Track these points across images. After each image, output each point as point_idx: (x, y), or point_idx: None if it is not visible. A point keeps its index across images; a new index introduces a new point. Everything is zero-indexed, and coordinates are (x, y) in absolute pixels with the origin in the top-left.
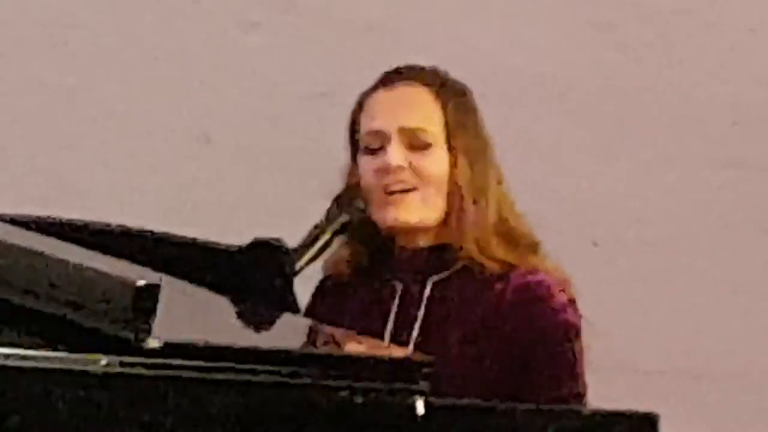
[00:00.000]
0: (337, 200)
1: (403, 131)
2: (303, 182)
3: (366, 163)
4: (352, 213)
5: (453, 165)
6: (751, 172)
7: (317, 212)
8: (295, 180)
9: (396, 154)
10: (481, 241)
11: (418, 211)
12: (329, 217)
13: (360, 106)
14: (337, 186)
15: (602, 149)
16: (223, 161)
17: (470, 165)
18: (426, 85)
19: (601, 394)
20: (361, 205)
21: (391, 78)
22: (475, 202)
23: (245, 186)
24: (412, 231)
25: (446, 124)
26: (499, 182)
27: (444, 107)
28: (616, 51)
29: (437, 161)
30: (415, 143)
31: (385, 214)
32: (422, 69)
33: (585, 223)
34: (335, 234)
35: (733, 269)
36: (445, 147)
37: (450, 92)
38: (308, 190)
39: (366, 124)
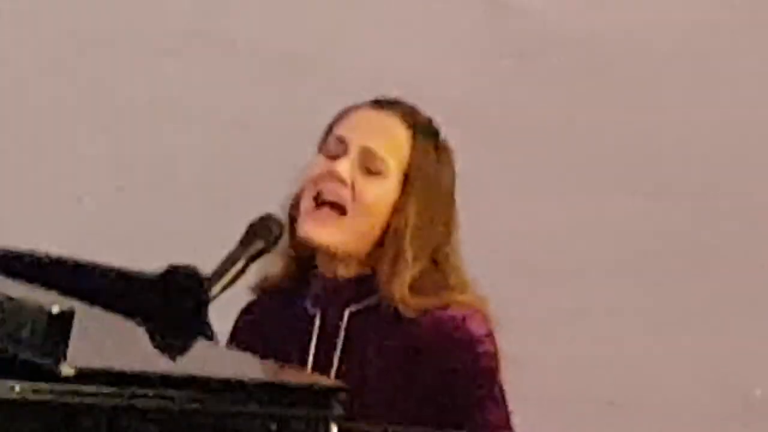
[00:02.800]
0: (252, 226)
1: (364, 150)
2: (218, 210)
3: (317, 162)
4: (266, 239)
5: (401, 200)
6: (669, 202)
7: (232, 239)
8: (211, 207)
9: (346, 166)
10: (405, 284)
11: (341, 237)
12: (244, 244)
13: (345, 112)
14: (253, 214)
15: (518, 179)
16: (138, 188)
17: (421, 207)
18: (408, 124)
19: (522, 422)
20: (276, 231)
21: (381, 103)
22: (413, 242)
23: (160, 213)
24: (336, 256)
25: (410, 163)
26: (448, 234)
27: (414, 147)
28: (536, 80)
29: (380, 191)
30: (370, 167)
31: (304, 225)
32: (411, 108)
33: (498, 254)
34: (250, 260)
35: (649, 298)
36: (398, 184)
37: (427, 137)
38: (224, 218)
39: (337, 128)
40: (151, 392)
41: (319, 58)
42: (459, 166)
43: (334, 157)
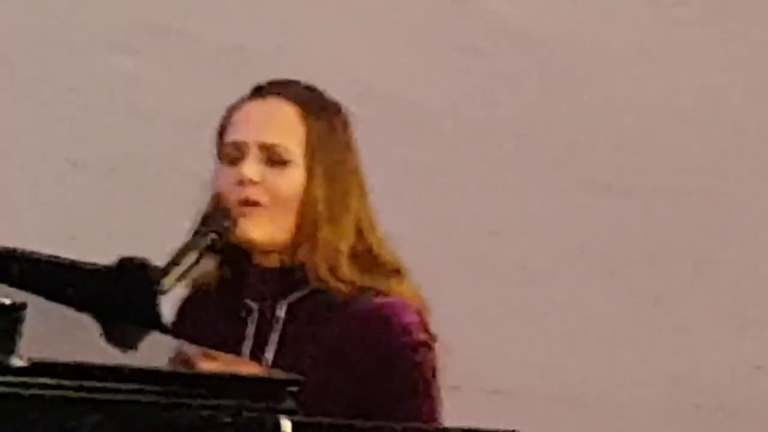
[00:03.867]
0: (205, 218)
1: (262, 146)
2: (172, 204)
3: (223, 173)
4: (219, 231)
5: (309, 184)
6: (621, 197)
7: (185, 234)
8: (164, 201)
9: (251, 167)
10: (334, 264)
11: (265, 229)
12: (197, 236)
13: (228, 116)
14: (205, 207)
15: (475, 175)
16: (90, 184)
17: (328, 185)
18: (293, 101)
19: (454, 413)
20: (228, 223)
21: (260, 91)
22: (330, 223)
23: (113, 208)
24: (265, 250)
25: (307, 143)
26: (363, 206)
27: (308, 125)
28: (490, 77)
29: (292, 180)
30: (274, 159)
31: (236, 227)
32: (293, 85)
33: (447, 245)
34: (203, 252)
35: (592, 288)
36: (303, 166)
37: (317, 110)
38: (177, 211)
39: (228, 135)
40: (102, 384)
41: (273, 52)
42: (412, 160)
43: (236, 162)
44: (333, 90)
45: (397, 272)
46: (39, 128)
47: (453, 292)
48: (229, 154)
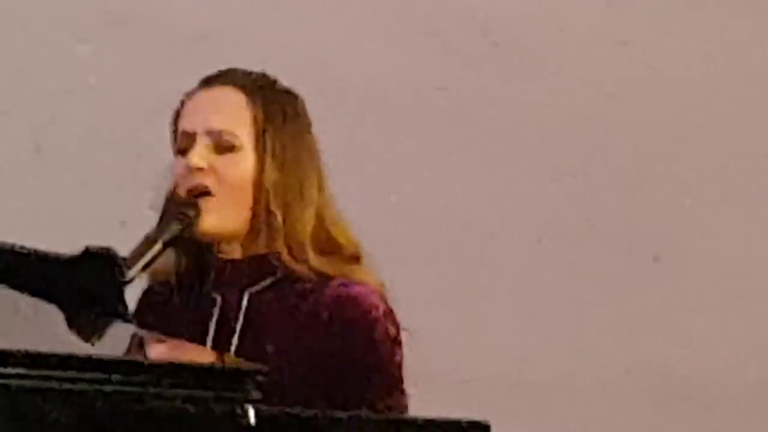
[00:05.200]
0: (169, 208)
1: (210, 133)
2: (136, 193)
3: (177, 164)
4: (183, 221)
5: (260, 170)
6: (588, 184)
7: (150, 222)
8: (128, 190)
9: (198, 155)
10: (294, 248)
11: (216, 217)
12: (161, 226)
13: (179, 108)
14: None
15: (435, 158)
16: (54, 172)
17: (281, 169)
18: (242, 88)
19: (421, 403)
20: (192, 212)
21: (209, 80)
22: (286, 206)
23: (77, 196)
24: (219, 239)
25: (255, 127)
26: (321, 189)
27: (255, 111)
28: (449, 59)
29: (242, 166)
30: (222, 146)
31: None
32: (243, 72)
33: (412, 232)
34: (167, 243)
35: (557, 275)
36: (252, 151)
37: (267, 96)
38: (141, 200)
39: (179, 125)
40: (65, 374)
41: (233, 37)
42: (374, 144)
43: (187, 151)
44: (294, 75)
45: (357, 258)
46: (3, 116)
47: (417, 280)
48: (180, 144)
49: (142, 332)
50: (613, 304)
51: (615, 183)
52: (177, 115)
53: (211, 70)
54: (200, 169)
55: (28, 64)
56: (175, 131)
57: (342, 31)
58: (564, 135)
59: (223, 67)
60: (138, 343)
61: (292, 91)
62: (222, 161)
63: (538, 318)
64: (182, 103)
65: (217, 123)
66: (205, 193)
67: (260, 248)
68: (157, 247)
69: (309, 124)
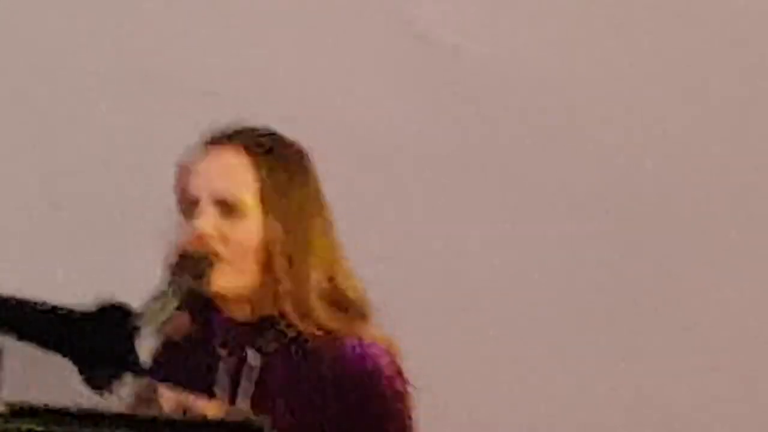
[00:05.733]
0: (179, 263)
1: (214, 199)
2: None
3: (183, 228)
4: (197, 275)
5: (265, 233)
6: (588, 223)
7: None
8: (142, 244)
9: (204, 222)
10: (302, 307)
11: (225, 280)
12: (175, 281)
13: (182, 170)
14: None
15: (435, 203)
16: (70, 226)
17: (287, 230)
18: (246, 149)
19: None
20: (204, 266)
21: (212, 141)
22: (293, 267)
23: (92, 250)
24: (233, 300)
25: (259, 190)
26: (330, 243)
27: (260, 174)
28: (464, 118)
29: (248, 228)
30: (228, 211)
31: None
32: (247, 132)
33: (418, 284)
34: (181, 297)
35: (568, 318)
36: (258, 214)
37: (271, 157)
38: (155, 254)
39: (184, 190)
40: (81, 428)
41: (241, 93)
42: (378, 192)
43: (193, 215)
44: (302, 127)
45: (366, 313)
46: (17, 168)
47: (426, 334)
48: (186, 208)
49: (155, 385)
50: (633, 345)
51: (616, 220)
52: (181, 178)
53: (220, 124)
54: (208, 236)
55: (41, 115)
56: (179, 192)
57: (350, 84)
58: (576, 177)
59: (232, 121)
60: (151, 397)
61: (298, 145)
62: (229, 225)
63: (551, 373)
64: (185, 166)
65: (222, 189)
66: (215, 255)
67: (269, 309)
68: (173, 302)
69: (316, 178)
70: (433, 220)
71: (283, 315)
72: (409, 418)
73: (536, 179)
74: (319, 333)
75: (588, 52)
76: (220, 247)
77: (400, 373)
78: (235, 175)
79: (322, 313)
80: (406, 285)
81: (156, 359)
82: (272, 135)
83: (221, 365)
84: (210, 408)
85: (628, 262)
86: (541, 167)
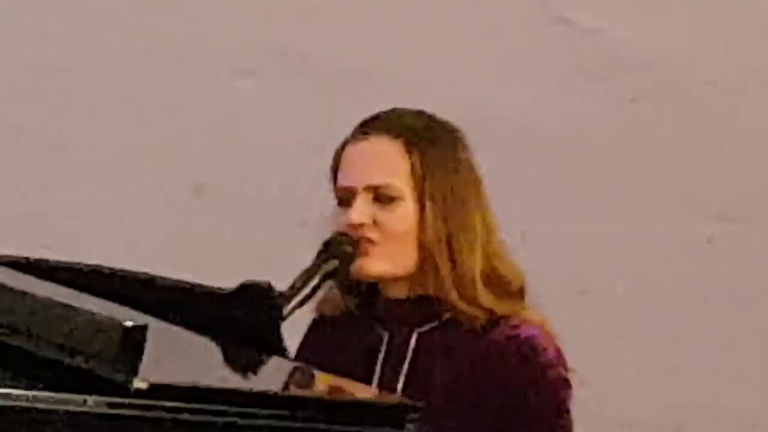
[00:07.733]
0: (327, 245)
1: (368, 188)
2: (294, 230)
3: (338, 215)
4: (341, 258)
5: (422, 216)
6: (745, 227)
7: (307, 259)
8: (287, 227)
9: (358, 210)
10: (465, 290)
11: (380, 264)
12: (319, 262)
13: (336, 159)
14: (327, 234)
15: (582, 200)
16: (216, 210)
17: (443, 214)
18: (396, 136)
19: None
20: (349, 249)
21: (363, 129)
22: (452, 251)
23: (237, 234)
24: (390, 282)
25: (413, 176)
26: (486, 224)
27: (412, 159)
28: (605, 103)
29: (402, 215)
30: (381, 198)
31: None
32: (399, 116)
33: (573, 274)
34: (324, 279)
35: (721, 324)
36: (414, 199)
37: (425, 141)
38: (300, 237)
39: (338, 179)
40: (222, 408)
41: (388, 78)
42: (524, 187)
43: (348, 204)
44: (450, 115)
45: (523, 292)
46: (162, 153)
47: (570, 320)
48: (341, 197)
49: (299, 366)
50: None
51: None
52: (334, 166)
53: (372, 109)
54: (362, 225)
55: (190, 101)
56: (334, 179)
57: (493, 69)
58: (722, 178)
59: (383, 104)
60: (296, 378)
61: (452, 125)
62: (384, 213)
63: (695, 365)
64: (337, 155)
65: (376, 177)
66: (369, 241)
67: (428, 290)
68: (315, 282)
69: (470, 158)
70: (580, 207)
71: (442, 296)
72: (568, 404)
73: (682, 165)
74: (480, 314)
75: (729, 36)
76: (373, 234)
77: (561, 356)
78: (389, 162)
79: (483, 294)
80: (556, 271)
81: (307, 336)
82: (424, 117)
83: (376, 344)
84: (361, 390)
85: None
86: (686, 152)
